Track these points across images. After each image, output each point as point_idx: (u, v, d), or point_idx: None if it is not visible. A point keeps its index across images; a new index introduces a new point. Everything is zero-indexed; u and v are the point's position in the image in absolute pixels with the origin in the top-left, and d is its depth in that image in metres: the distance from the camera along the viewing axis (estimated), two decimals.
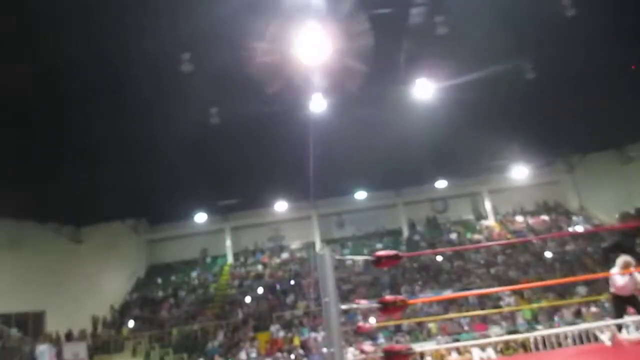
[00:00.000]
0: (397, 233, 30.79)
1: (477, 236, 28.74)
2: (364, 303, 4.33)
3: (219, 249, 31.13)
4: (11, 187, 18.81)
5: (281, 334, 22.33)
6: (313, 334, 21.38)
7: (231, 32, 13.60)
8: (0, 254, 24.60)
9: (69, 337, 23.33)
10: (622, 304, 8.30)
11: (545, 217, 29.82)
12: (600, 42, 16.02)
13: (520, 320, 20.91)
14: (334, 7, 13.33)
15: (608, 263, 9.20)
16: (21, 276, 24.69)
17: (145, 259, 30.80)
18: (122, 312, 26.44)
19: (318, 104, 18.16)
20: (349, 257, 19.96)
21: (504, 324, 20.69)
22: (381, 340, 20.02)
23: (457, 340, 18.70)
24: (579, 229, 28.05)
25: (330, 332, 3.29)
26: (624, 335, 8.05)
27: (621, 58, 17.11)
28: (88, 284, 27.11)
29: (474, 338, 19.05)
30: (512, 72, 17.73)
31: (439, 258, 26.86)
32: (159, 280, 29.26)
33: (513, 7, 14.63)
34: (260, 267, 29.34)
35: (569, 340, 12.90)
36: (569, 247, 26.40)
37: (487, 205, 30.99)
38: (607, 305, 17.57)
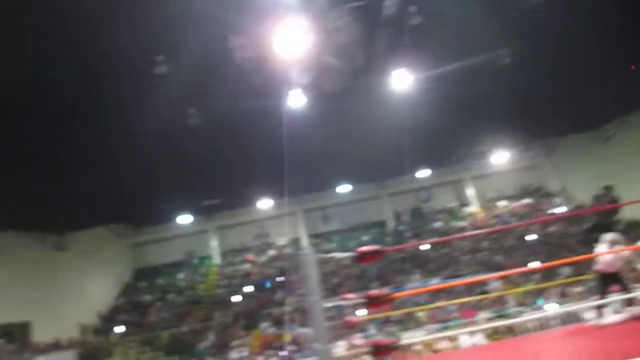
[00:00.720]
0: (382, 224, 30.96)
1: (461, 223, 29.01)
2: (350, 298, 4.34)
3: (205, 249, 31.04)
4: None
5: (271, 331, 22.33)
6: (303, 329, 21.40)
7: (207, 30, 13.47)
8: None
9: (56, 345, 23.10)
10: (607, 281, 8.42)
11: (527, 201, 30.16)
12: (576, 24, 16.17)
13: (506, 305, 21.16)
14: (308, 1, 13.30)
15: (591, 243, 9.34)
16: (5, 287, 24.32)
17: (131, 263, 30.57)
18: (110, 318, 26.21)
19: (297, 100, 18.11)
20: (331, 255, 19.97)
21: (492, 309, 20.91)
22: (372, 331, 20.11)
23: (446, 328, 18.87)
24: (561, 210, 28.42)
25: (317, 330, 3.30)
26: (608, 313, 8.18)
27: (596, 39, 17.30)
28: (74, 292, 26.83)
29: (463, 325, 19.27)
30: (488, 58, 17.86)
31: (425, 247, 27.05)
32: (146, 284, 29.04)
33: None
34: (247, 265, 29.29)
35: (556, 322, 13.13)
36: (552, 229, 26.74)
37: (470, 191, 31.29)
38: (591, 284, 17.85)
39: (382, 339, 15.21)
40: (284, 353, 19.28)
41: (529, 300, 20.97)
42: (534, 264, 22.70)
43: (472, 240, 27.02)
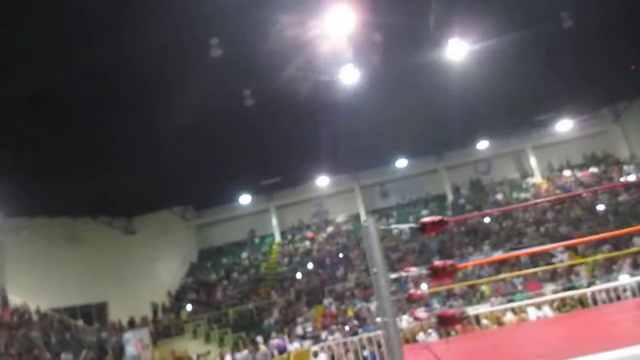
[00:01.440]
0: (441, 198, 30.49)
1: (523, 195, 28.15)
2: (413, 271, 4.33)
3: (266, 228, 31.60)
4: (63, 186, 19.60)
5: (334, 307, 22.63)
6: (366, 304, 21.57)
7: (258, 11, 13.55)
8: (61, 250, 25.83)
9: (131, 324, 24.35)
10: None
11: (594, 170, 28.87)
12: None
13: (576, 277, 20.49)
14: None
15: None
16: (82, 270, 25.85)
17: (196, 244, 31.58)
18: (179, 297, 27.30)
19: (350, 75, 18.00)
20: (393, 226, 19.94)
21: (559, 281, 20.33)
22: (435, 305, 20.02)
23: (512, 301, 18.52)
24: (631, 178, 27.05)
25: (381, 302, 3.31)
26: None
27: None
28: (144, 272, 28.17)
29: (529, 297, 18.83)
30: (548, 22, 17.09)
31: (487, 220, 26.48)
32: (211, 264, 30.00)
33: None
34: (307, 243, 29.67)
35: (628, 293, 12.59)
36: (622, 198, 25.54)
37: (532, 162, 30.22)
38: None
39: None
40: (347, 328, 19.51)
41: (599, 272, 20.24)
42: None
43: (536, 211, 26.20)
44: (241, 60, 15.76)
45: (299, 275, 26.35)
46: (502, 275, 18.84)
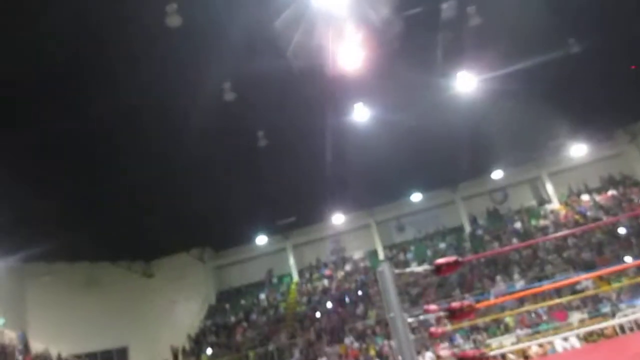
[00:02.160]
0: (459, 230, 30.17)
1: (543, 222, 27.78)
2: (432, 310, 4.29)
3: (284, 267, 31.44)
4: (82, 231, 19.84)
5: (356, 345, 22.26)
6: (387, 342, 21.20)
7: (268, 50, 13.79)
8: (81, 295, 25.93)
9: None
10: None
11: (613, 192, 28.47)
12: None
13: (601, 303, 20.01)
14: (365, 12, 13.32)
15: None
16: (102, 315, 25.85)
17: (214, 286, 31.51)
18: (199, 340, 27.09)
19: (361, 113, 18.19)
20: (408, 270, 19.68)
21: (585, 308, 19.86)
22: (459, 340, 19.63)
23: (537, 332, 18.10)
24: None
25: (401, 344, 3.28)
26: None
27: None
28: (163, 316, 28.09)
29: (555, 327, 18.39)
30: (556, 49, 17.17)
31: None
32: (230, 305, 29.82)
33: None
34: (325, 281, 29.42)
35: None
36: None
37: (549, 188, 29.91)
38: None
39: (469, 349, 14.81)
40: None
41: (625, 295, 19.75)
42: (627, 259, 21.37)
43: (556, 238, 25.81)
44: (253, 100, 16.02)
45: (318, 314, 26.05)
46: (526, 308, 18.43)
